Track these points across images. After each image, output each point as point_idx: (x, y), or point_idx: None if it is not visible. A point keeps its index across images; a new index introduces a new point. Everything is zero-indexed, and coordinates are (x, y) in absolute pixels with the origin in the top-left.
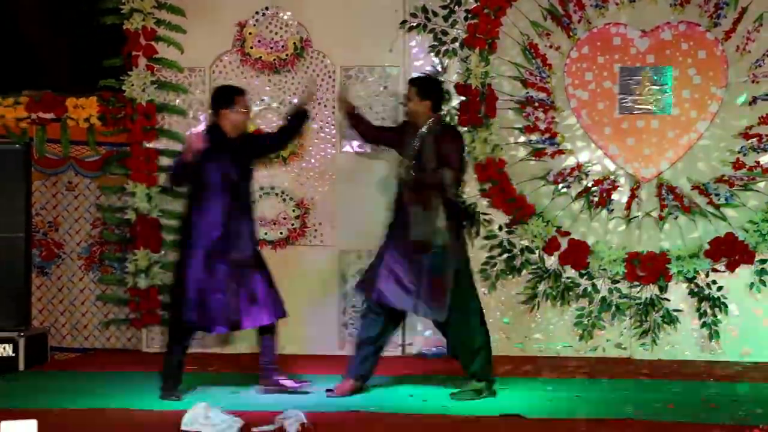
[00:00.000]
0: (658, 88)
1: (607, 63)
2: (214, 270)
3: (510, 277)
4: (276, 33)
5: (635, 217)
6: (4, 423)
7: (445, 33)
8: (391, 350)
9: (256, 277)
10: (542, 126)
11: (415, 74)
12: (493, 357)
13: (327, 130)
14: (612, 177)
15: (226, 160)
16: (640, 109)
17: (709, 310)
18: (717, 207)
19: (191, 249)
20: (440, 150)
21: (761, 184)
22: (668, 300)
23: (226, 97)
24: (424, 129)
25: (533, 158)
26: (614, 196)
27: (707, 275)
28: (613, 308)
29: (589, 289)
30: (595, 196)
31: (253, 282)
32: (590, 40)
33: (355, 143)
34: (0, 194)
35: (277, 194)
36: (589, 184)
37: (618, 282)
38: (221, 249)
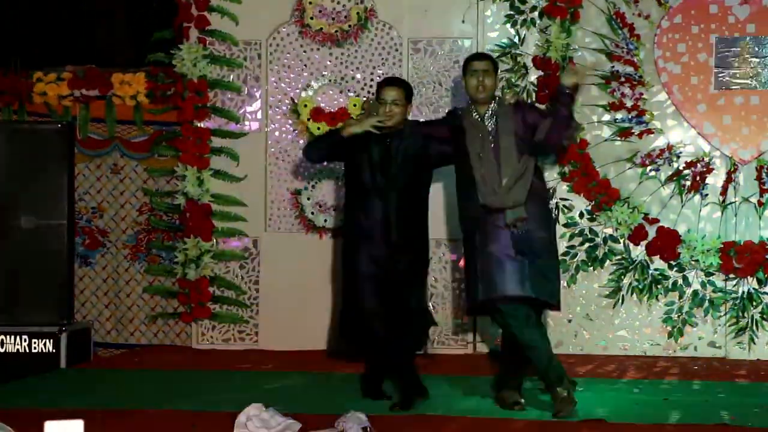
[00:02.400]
0: (758, 60)
1: (702, 33)
2: None
3: (592, 268)
4: (338, 2)
5: (732, 203)
6: (49, 423)
7: (523, 1)
8: (461, 348)
9: None
10: (629, 103)
11: (488, 47)
12: (573, 356)
13: None
14: (706, 159)
15: None
16: (739, 83)
17: None
18: None
19: None
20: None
21: None
22: None
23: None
24: (491, 107)
25: (618, 138)
26: (708, 179)
27: None
28: (707, 303)
29: (680, 282)
30: (687, 179)
31: None
32: (683, 7)
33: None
34: (41, 178)
35: (336, 177)
36: (681, 167)
37: (712, 275)
38: None
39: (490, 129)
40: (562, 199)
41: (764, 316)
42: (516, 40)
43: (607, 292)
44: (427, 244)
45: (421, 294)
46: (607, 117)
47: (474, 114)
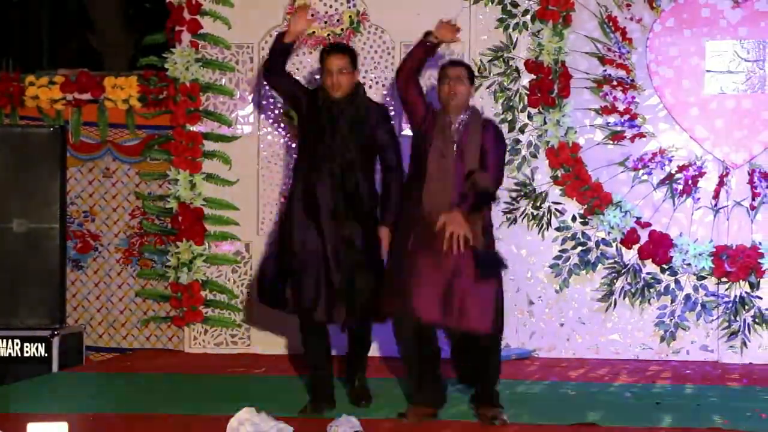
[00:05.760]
0: (750, 64)
1: (694, 37)
2: None
3: (584, 272)
4: (330, 6)
5: (724, 206)
6: (32, 425)
7: (515, 5)
8: None
9: None
10: (621, 107)
11: (480, 51)
12: (565, 360)
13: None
14: (698, 162)
15: None
16: (731, 87)
17: None
18: None
19: None
20: (484, 146)
21: None
22: (760, 298)
23: None
24: (463, 116)
25: (611, 142)
26: (700, 183)
27: None
28: (699, 307)
29: (672, 286)
30: (679, 183)
31: None
32: (675, 11)
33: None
34: (33, 182)
35: None
36: (673, 171)
37: (704, 278)
38: None
39: (455, 139)
40: (554, 202)
41: (756, 320)
42: (508, 43)
43: (600, 296)
44: (376, 222)
45: (371, 278)
46: (599, 121)
47: (446, 117)
